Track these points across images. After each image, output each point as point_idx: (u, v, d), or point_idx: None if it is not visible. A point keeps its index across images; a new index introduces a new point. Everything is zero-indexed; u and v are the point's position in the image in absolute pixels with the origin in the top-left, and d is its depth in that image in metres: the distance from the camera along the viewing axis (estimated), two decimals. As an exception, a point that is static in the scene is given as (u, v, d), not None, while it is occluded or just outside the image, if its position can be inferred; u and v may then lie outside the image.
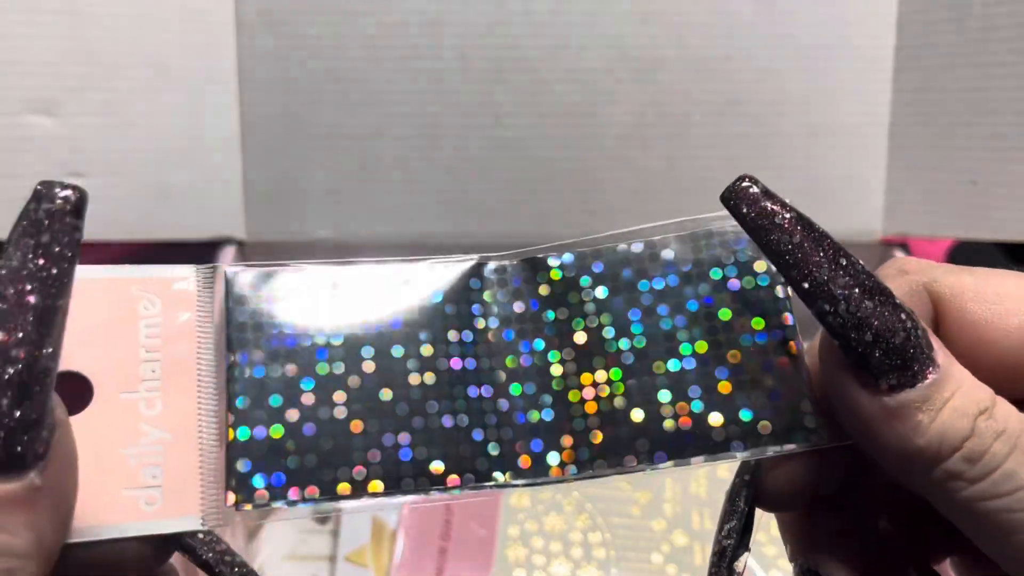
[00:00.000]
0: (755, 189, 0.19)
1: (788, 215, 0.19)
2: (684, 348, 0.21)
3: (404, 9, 0.41)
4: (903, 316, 0.19)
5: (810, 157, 0.43)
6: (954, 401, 0.18)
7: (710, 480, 0.40)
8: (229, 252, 0.42)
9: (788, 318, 0.21)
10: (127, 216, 0.40)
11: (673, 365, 0.20)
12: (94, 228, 0.39)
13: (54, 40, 0.37)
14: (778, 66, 0.42)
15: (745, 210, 0.19)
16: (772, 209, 0.19)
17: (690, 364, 0.20)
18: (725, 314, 0.21)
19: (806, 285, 0.19)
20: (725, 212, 0.20)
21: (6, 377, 0.15)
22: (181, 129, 0.40)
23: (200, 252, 0.42)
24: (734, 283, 0.21)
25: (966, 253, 0.59)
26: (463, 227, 0.43)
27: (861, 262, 0.19)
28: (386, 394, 0.20)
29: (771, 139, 0.43)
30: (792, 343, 0.21)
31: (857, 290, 0.19)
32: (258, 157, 0.42)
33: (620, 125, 0.42)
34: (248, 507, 0.18)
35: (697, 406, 0.20)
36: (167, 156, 0.40)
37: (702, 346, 0.20)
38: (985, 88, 0.40)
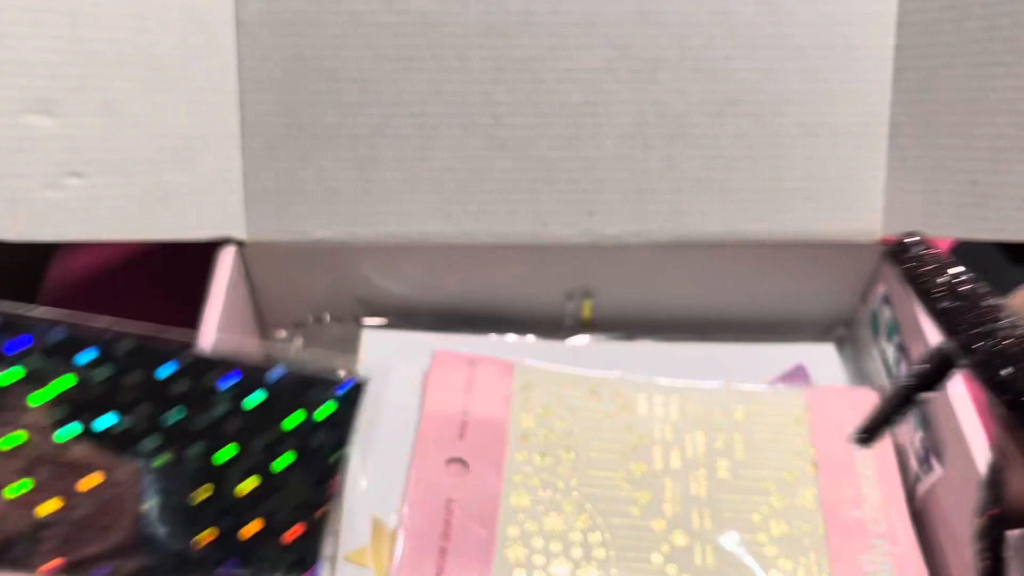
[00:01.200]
0: (912, 252, 0.22)
1: (942, 280, 0.21)
2: None
3: (404, 10, 0.41)
4: None
5: (810, 157, 0.43)
6: None
7: (710, 480, 0.40)
8: (230, 252, 0.42)
9: None
10: (127, 216, 0.40)
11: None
12: (94, 228, 0.39)
13: (54, 40, 0.37)
14: (778, 66, 0.42)
15: (906, 268, 0.22)
16: (929, 273, 0.21)
17: None
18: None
19: (953, 345, 0.21)
20: None
21: None
22: (181, 129, 0.40)
23: (201, 252, 0.42)
24: None
25: (966, 253, 0.59)
26: (463, 227, 0.43)
27: (1014, 323, 0.21)
28: None
29: (771, 139, 0.43)
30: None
31: (998, 357, 0.20)
32: (258, 157, 0.42)
33: (620, 125, 0.43)
34: None
35: None
36: (167, 156, 0.40)
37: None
38: (985, 88, 0.40)
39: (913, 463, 0.41)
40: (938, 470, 0.38)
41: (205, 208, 0.41)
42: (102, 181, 0.39)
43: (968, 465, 0.36)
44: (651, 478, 0.40)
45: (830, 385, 0.45)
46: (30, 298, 0.56)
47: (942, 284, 0.21)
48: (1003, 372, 0.20)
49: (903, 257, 0.22)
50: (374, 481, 0.39)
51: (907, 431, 0.41)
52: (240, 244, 0.43)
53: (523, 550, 0.37)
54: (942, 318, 0.21)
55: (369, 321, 0.47)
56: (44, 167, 0.38)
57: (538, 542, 0.37)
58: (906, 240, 0.22)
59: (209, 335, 0.39)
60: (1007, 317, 0.21)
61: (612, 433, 0.41)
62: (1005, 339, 0.20)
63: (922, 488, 0.40)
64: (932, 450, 0.39)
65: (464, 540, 0.37)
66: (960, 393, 0.38)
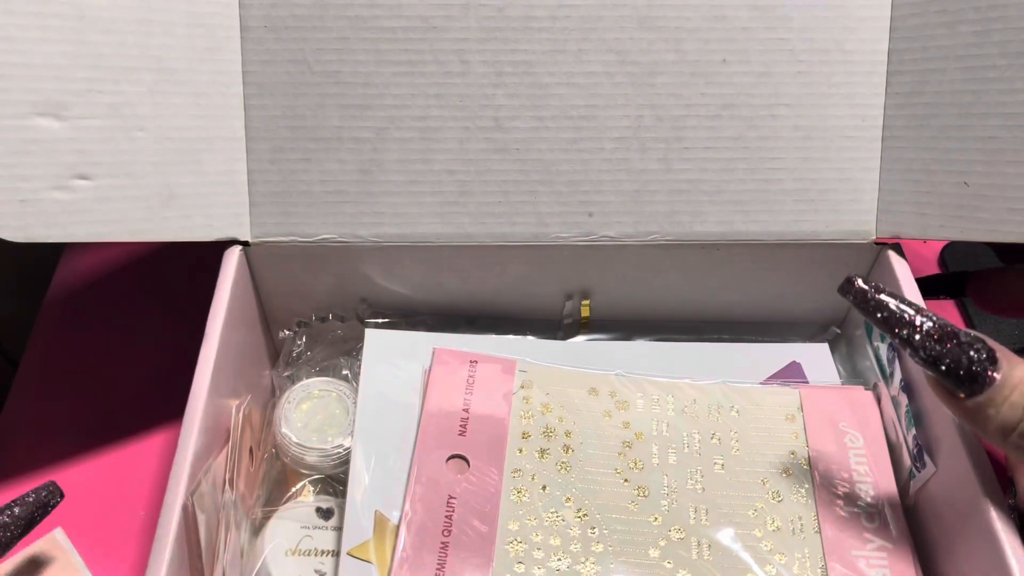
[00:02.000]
0: (859, 283, 0.31)
1: (881, 297, 0.31)
2: None
3: (406, 15, 0.42)
4: (967, 349, 0.29)
5: (804, 159, 0.44)
6: (1012, 398, 0.29)
7: (706, 477, 0.41)
8: (235, 253, 0.43)
9: None
10: (134, 217, 0.40)
11: None
12: (101, 230, 0.39)
13: (61, 44, 0.38)
14: (773, 70, 0.43)
15: (854, 298, 0.31)
16: (871, 294, 0.31)
17: None
18: None
19: (898, 340, 0.30)
20: None
21: None
22: (187, 132, 0.41)
23: (207, 253, 0.43)
24: None
25: (958, 253, 0.60)
26: (463, 228, 0.44)
27: (937, 317, 0.30)
28: None
29: (766, 142, 0.43)
30: None
31: (932, 339, 0.30)
32: (263, 159, 0.43)
33: (618, 128, 0.43)
34: None
35: None
36: (173, 158, 0.41)
37: None
38: (977, 91, 0.40)
39: (907, 460, 0.41)
40: (931, 467, 0.39)
41: (211, 209, 0.42)
42: (109, 183, 0.39)
43: (961, 463, 0.36)
44: (648, 474, 0.40)
45: (824, 384, 0.45)
46: (37, 298, 0.57)
47: (882, 299, 0.31)
48: (938, 348, 0.30)
49: (856, 286, 0.31)
50: (376, 477, 0.40)
51: (901, 429, 0.42)
52: (245, 245, 0.43)
53: (523, 545, 0.38)
54: (890, 319, 0.31)
55: (371, 320, 0.47)
56: (52, 169, 0.38)
57: (538, 537, 0.38)
58: (855, 277, 0.31)
59: (214, 335, 0.39)
60: (926, 315, 0.30)
61: (610, 430, 0.42)
62: (937, 325, 0.30)
63: (915, 485, 0.40)
64: (925, 447, 0.39)
65: (465, 536, 0.38)
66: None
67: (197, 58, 0.41)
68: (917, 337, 0.30)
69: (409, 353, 0.44)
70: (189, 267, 0.53)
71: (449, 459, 0.40)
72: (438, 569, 0.37)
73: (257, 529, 0.41)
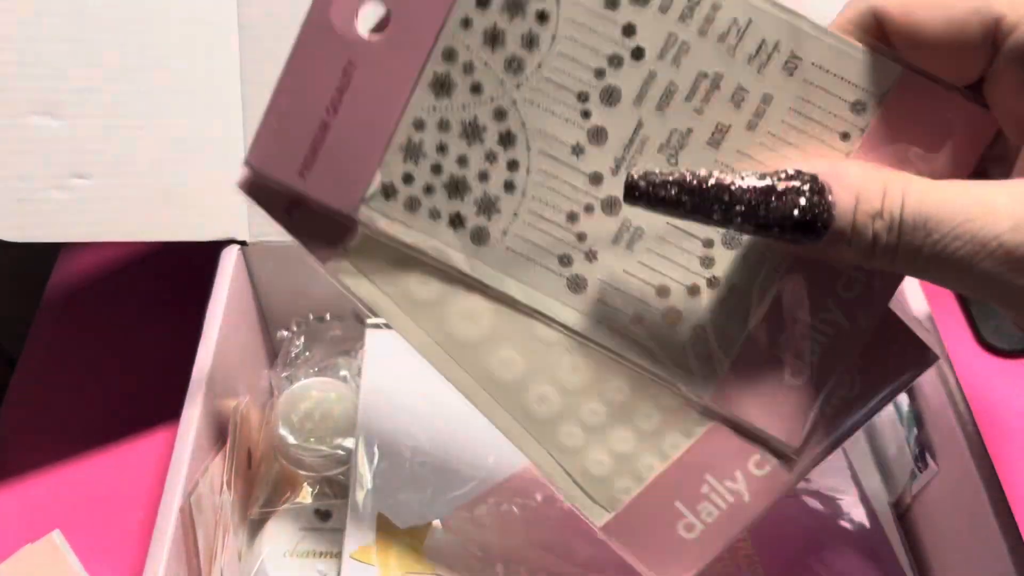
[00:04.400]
0: (643, 183, 0.25)
1: (672, 192, 0.25)
2: None
3: (406, 13, 0.42)
4: (790, 196, 0.25)
5: (806, 159, 0.43)
6: (856, 225, 0.25)
7: (691, 145, 0.30)
8: (232, 252, 0.43)
9: None
10: (132, 217, 0.40)
11: None
12: (99, 229, 0.39)
13: (59, 42, 0.38)
14: (774, 69, 0.43)
15: (647, 201, 0.25)
16: (662, 194, 0.25)
17: None
18: None
19: (714, 223, 0.25)
20: None
21: None
22: (185, 131, 0.41)
23: (204, 252, 0.43)
24: None
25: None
26: (463, 228, 0.43)
27: (741, 182, 0.25)
28: None
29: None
30: None
31: (743, 207, 0.25)
32: (261, 158, 0.42)
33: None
34: None
35: None
36: (171, 157, 0.41)
37: None
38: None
39: (909, 460, 0.41)
40: (933, 467, 0.39)
41: (208, 209, 0.42)
42: (107, 182, 0.39)
43: (963, 463, 0.36)
44: (617, 115, 0.28)
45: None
46: (35, 298, 0.56)
47: (675, 194, 0.25)
48: (759, 214, 0.25)
49: (641, 187, 0.25)
50: (379, 480, 0.40)
51: (903, 429, 0.42)
52: (243, 244, 0.43)
53: (423, 147, 0.28)
54: (696, 211, 0.25)
55: (372, 321, 0.47)
56: (49, 168, 0.38)
57: (444, 148, 0.28)
58: (633, 177, 0.25)
59: (212, 335, 0.39)
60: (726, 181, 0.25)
61: (602, 30, 0.28)
62: (745, 193, 0.25)
63: (917, 485, 0.40)
64: (927, 448, 0.39)
65: (357, 114, 0.28)
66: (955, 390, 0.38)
67: (195, 56, 0.41)
68: (734, 214, 0.25)
69: (409, 353, 0.44)
70: (187, 267, 0.52)
71: (363, 4, 0.28)
72: (313, 145, 0.29)
73: (255, 531, 0.41)
